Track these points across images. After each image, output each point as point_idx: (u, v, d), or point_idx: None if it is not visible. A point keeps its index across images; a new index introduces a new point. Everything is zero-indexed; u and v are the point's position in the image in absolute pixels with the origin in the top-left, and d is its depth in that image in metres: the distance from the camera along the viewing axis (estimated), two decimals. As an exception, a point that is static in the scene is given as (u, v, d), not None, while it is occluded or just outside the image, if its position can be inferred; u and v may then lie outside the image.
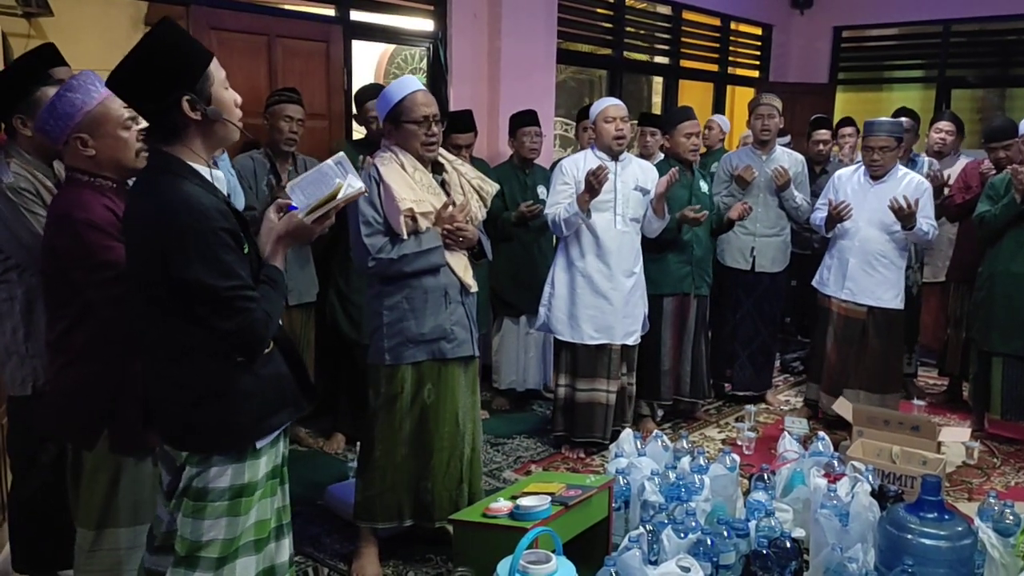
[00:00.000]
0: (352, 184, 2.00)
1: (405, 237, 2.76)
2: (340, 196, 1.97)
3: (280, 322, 1.97)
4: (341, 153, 2.11)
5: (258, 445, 1.88)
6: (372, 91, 4.00)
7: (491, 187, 3.06)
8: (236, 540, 1.88)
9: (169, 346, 1.83)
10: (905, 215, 4.03)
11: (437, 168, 2.95)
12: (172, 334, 1.82)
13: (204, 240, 1.73)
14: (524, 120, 4.68)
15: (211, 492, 1.84)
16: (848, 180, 4.42)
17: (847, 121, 5.86)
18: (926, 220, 4.16)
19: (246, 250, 1.85)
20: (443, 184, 2.95)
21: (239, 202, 3.24)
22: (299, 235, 2.00)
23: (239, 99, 1.91)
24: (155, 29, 1.79)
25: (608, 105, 4.00)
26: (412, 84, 2.87)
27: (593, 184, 3.71)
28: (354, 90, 4.30)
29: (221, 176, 1.92)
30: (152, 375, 1.89)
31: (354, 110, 4.16)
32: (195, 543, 1.85)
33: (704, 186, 4.48)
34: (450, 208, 2.83)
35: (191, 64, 1.79)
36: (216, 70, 1.84)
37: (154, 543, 1.99)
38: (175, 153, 1.81)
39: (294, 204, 2.02)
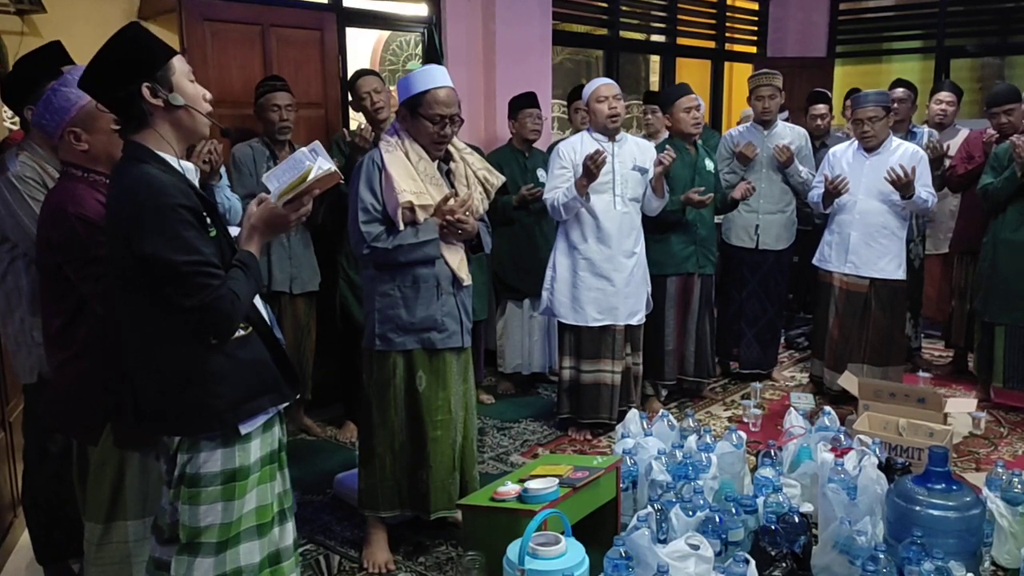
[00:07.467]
0: (322, 166, 2.00)
1: (402, 228, 2.73)
2: (311, 177, 1.97)
3: (272, 314, 1.96)
4: (316, 142, 2.11)
5: (242, 430, 1.90)
6: (358, 75, 4.07)
7: (497, 179, 3.01)
8: (234, 525, 1.92)
9: (143, 331, 1.85)
10: (903, 184, 4.02)
11: (445, 156, 2.91)
12: (144, 318, 1.84)
13: (161, 215, 1.75)
14: (525, 102, 4.65)
15: (203, 477, 1.88)
16: (843, 155, 4.41)
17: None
18: (924, 188, 4.15)
19: (213, 233, 1.85)
20: (448, 174, 2.91)
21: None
22: (273, 221, 1.98)
23: (207, 94, 1.94)
24: (120, 30, 1.84)
25: (600, 84, 3.97)
26: (439, 78, 2.77)
27: (591, 169, 3.70)
28: (349, 77, 4.29)
29: (191, 167, 1.93)
30: (130, 361, 1.91)
31: (350, 98, 4.17)
32: (194, 529, 1.89)
33: (709, 164, 4.44)
34: (451, 201, 2.79)
35: (151, 55, 1.84)
36: (180, 64, 1.88)
37: (163, 535, 2.01)
38: (142, 141, 1.85)
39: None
